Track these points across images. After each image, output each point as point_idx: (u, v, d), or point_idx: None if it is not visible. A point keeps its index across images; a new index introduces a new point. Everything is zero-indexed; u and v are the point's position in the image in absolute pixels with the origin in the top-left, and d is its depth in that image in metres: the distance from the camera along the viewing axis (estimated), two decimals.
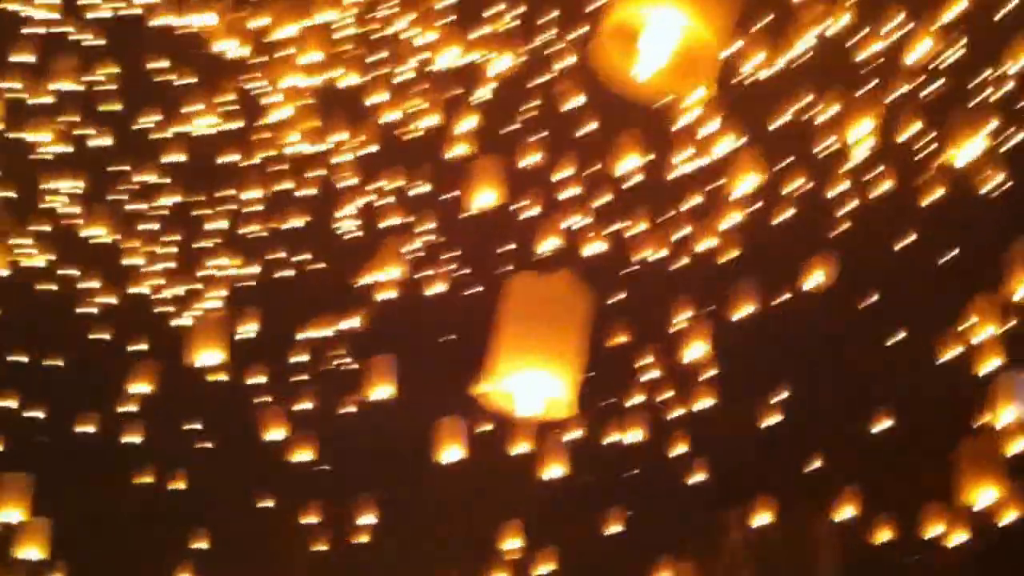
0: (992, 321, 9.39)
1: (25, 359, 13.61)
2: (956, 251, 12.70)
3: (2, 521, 9.99)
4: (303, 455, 11.67)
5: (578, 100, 11.29)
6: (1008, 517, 9.59)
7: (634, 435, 12.13)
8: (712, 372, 12.43)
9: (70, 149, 12.36)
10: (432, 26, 10.63)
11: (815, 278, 10.16)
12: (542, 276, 4.13)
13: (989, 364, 9.47)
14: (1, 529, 10.04)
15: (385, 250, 9.97)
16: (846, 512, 11.85)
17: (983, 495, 7.25)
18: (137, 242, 12.77)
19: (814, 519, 14.48)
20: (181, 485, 13.27)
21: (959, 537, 10.83)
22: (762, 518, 12.95)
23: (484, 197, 8.94)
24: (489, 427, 10.68)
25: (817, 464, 13.25)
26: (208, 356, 8.76)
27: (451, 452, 9.28)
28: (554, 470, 10.15)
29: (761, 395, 13.12)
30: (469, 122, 10.78)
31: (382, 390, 9.76)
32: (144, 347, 12.77)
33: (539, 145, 11.41)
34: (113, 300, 13.05)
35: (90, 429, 13.02)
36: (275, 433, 12.27)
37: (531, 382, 3.77)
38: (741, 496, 13.57)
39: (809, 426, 13.19)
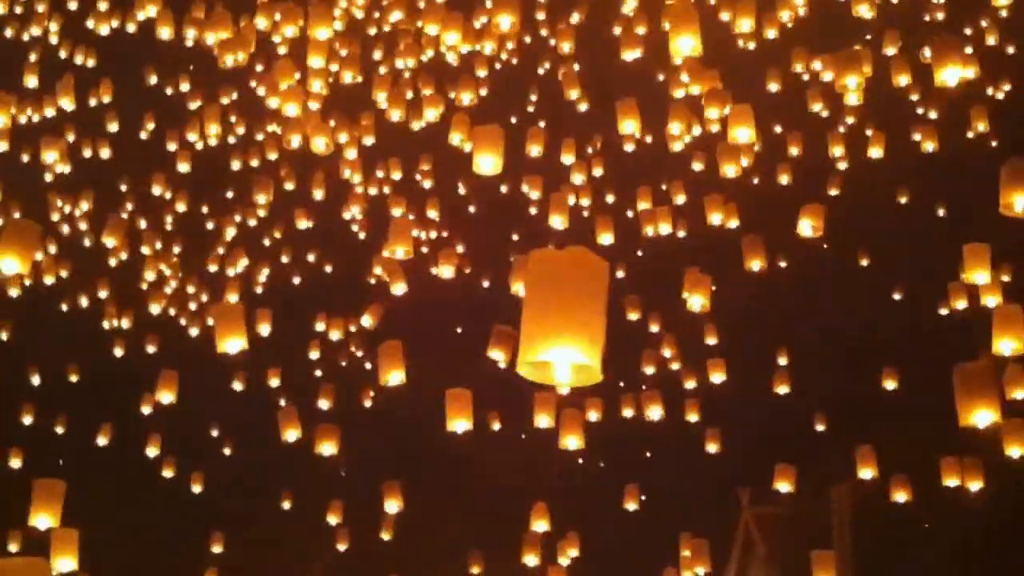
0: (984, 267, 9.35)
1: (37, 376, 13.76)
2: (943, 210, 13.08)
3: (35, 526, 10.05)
4: (325, 449, 11.71)
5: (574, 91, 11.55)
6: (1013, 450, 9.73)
7: (651, 411, 12.21)
8: (714, 341, 12.67)
9: (77, 166, 12.56)
10: (432, 18, 10.84)
11: (805, 227, 10.40)
12: (559, 250, 4.32)
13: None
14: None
15: (395, 229, 10.01)
16: (864, 473, 11.96)
17: (980, 417, 7.34)
18: (149, 251, 12.97)
19: (828, 491, 14.69)
20: (199, 488, 13.33)
21: (975, 484, 10.99)
22: (778, 488, 13.03)
23: (485, 161, 9.08)
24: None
25: (823, 427, 13.40)
26: (231, 344, 8.83)
27: (458, 423, 9.26)
28: (571, 441, 10.20)
29: (766, 363, 13.35)
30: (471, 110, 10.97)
31: (394, 376, 9.74)
32: (162, 356, 12.88)
33: (540, 133, 11.66)
34: (129, 315, 13.29)
35: (106, 440, 13.17)
36: (292, 433, 12.24)
37: (562, 352, 3.91)
38: (755, 468, 13.75)
39: (815, 391, 13.42)
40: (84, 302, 13.59)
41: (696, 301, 10.07)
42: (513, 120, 12.66)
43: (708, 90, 10.14)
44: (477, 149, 9.10)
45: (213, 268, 13.10)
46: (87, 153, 12.76)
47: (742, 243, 10.47)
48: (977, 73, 8.86)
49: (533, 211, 12.10)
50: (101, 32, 12.02)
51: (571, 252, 4.08)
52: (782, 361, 13.38)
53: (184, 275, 13.40)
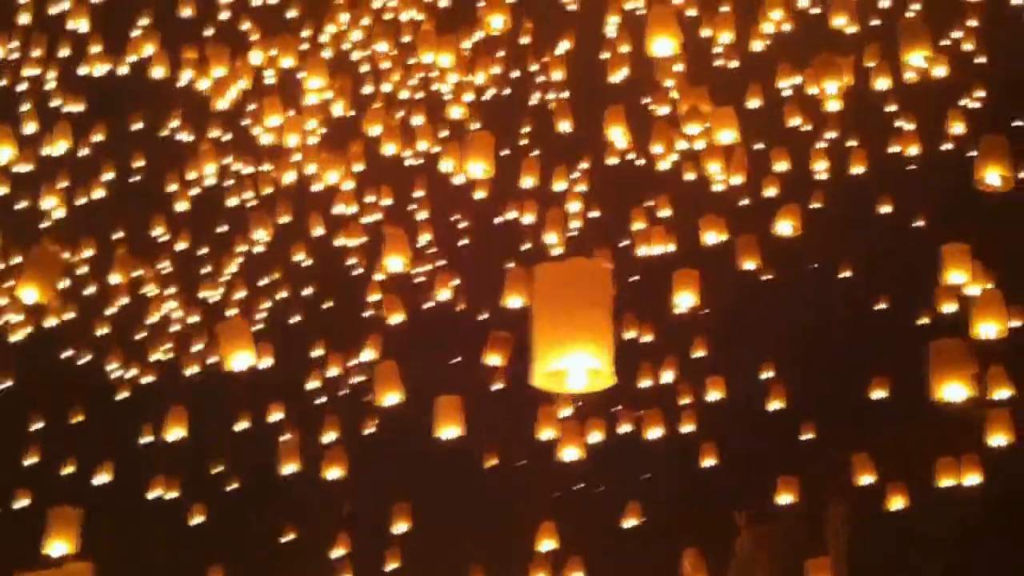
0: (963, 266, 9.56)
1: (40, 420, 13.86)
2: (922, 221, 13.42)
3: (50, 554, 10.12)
4: (333, 473, 11.82)
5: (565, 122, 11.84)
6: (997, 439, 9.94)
7: (652, 432, 12.40)
8: (702, 354, 12.95)
9: (74, 210, 12.74)
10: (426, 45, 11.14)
11: (784, 227, 10.70)
12: (563, 261, 4.55)
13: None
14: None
15: (391, 241, 10.15)
16: (861, 480, 12.18)
17: (952, 391, 7.57)
18: (151, 292, 13.15)
19: (826, 502, 14.87)
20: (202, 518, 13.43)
21: (972, 479, 11.22)
22: (777, 503, 13.18)
23: (476, 168, 9.34)
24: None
25: (814, 436, 13.62)
26: (239, 360, 8.95)
27: (449, 430, 9.37)
28: (570, 452, 10.40)
29: (757, 377, 13.60)
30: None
31: (390, 397, 9.84)
32: (165, 393, 13.02)
33: (534, 160, 11.98)
34: (132, 355, 13.46)
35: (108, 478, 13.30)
36: (292, 466, 12.28)
37: (574, 360, 4.05)
38: (751, 482, 13.96)
39: (808, 403, 13.66)
40: (86, 343, 13.78)
41: (685, 300, 10.28)
42: (505, 152, 13.00)
43: (689, 107, 10.50)
44: (469, 155, 9.35)
45: (212, 296, 13.28)
46: (86, 197, 12.94)
47: (736, 243, 10.75)
48: (944, 64, 9.10)
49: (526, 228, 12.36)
50: (96, 73, 12.22)
51: (573, 262, 4.34)
52: (769, 374, 13.72)
53: (184, 312, 13.58)
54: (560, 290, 4.20)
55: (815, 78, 9.66)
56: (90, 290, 13.31)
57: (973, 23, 11.76)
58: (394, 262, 9.94)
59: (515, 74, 12.69)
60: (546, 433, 10.90)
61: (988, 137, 8.47)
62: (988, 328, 8.44)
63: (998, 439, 9.96)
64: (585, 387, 4.17)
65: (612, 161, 11.94)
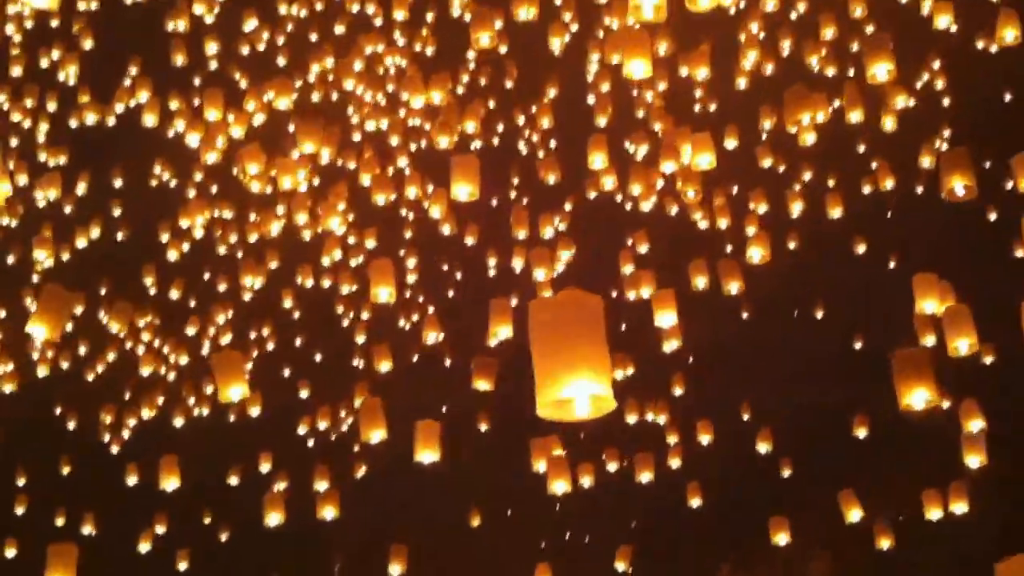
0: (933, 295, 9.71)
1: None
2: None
3: None
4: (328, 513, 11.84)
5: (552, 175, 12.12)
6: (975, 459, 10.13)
7: (644, 476, 12.54)
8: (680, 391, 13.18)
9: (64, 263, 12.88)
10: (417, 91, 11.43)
11: (755, 254, 10.98)
12: (555, 296, 4.74)
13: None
14: None
15: (376, 271, 10.27)
16: (851, 516, 12.31)
17: (916, 397, 7.77)
18: (142, 345, 13.29)
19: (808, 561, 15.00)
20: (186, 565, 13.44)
21: (960, 507, 11.41)
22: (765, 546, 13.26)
23: (462, 190, 9.56)
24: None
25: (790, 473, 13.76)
26: (233, 391, 9.06)
27: (426, 455, 9.46)
28: (558, 485, 10.47)
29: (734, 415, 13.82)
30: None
31: (375, 434, 9.86)
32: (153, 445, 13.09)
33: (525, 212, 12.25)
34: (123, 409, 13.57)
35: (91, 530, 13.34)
36: (275, 516, 12.24)
37: (578, 387, 4.17)
38: (739, 524, 14.10)
39: (792, 443, 13.85)
40: (76, 395, 13.88)
41: (665, 319, 10.48)
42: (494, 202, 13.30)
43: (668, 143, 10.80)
44: (454, 179, 9.58)
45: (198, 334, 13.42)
46: (74, 247, 13.09)
47: (717, 267, 11.03)
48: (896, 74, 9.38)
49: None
50: (87, 122, 12.43)
51: (565, 294, 4.43)
52: (745, 417, 13.94)
53: (174, 360, 13.71)
54: (556, 322, 4.34)
55: (788, 111, 9.92)
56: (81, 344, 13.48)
57: (936, 64, 12.22)
58: (382, 292, 10.04)
59: (500, 127, 13.01)
60: (539, 464, 10.97)
61: (950, 150, 8.84)
62: (961, 343, 8.66)
63: (973, 459, 10.17)
64: (590, 413, 4.29)
65: (592, 195, 12.22)
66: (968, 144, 9.34)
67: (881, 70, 8.94)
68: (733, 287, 10.96)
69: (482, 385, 10.70)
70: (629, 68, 8.21)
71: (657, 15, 7.00)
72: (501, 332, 10.09)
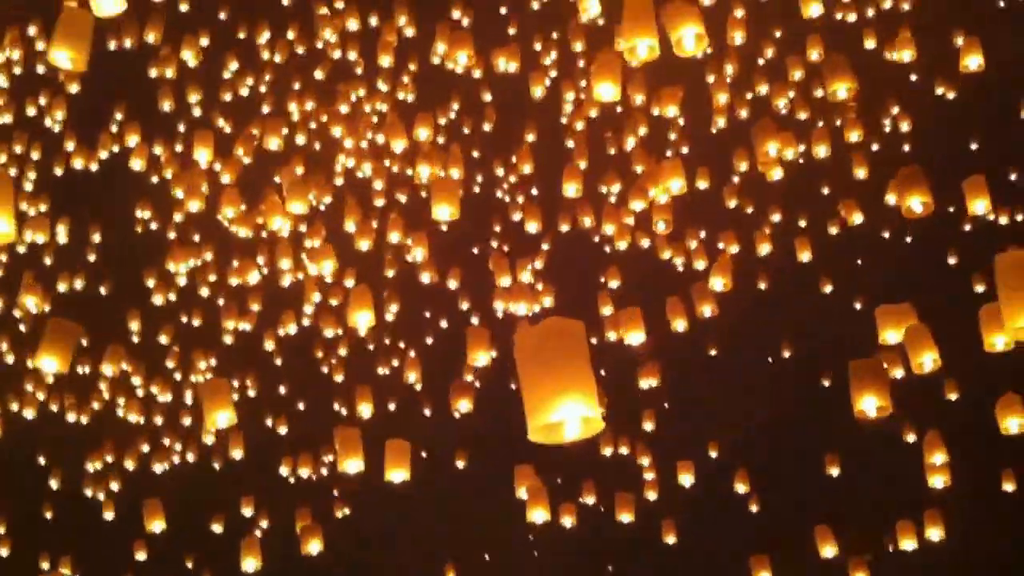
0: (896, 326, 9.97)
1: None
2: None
3: None
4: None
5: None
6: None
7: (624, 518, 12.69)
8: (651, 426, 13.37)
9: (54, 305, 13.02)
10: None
11: (717, 283, 11.23)
12: (537, 324, 4.68)
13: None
14: None
15: (355, 296, 10.40)
16: (826, 552, 12.48)
17: (867, 403, 8.00)
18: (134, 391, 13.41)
19: None
20: None
21: (935, 532, 11.65)
22: None
23: (442, 211, 9.79)
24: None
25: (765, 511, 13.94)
26: (221, 417, 9.19)
27: (397, 473, 9.53)
28: (537, 514, 10.57)
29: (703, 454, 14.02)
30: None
31: (351, 464, 9.83)
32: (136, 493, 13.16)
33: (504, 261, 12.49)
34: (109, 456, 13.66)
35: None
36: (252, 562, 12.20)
37: (567, 410, 4.32)
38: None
39: (767, 483, 14.06)
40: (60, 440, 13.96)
41: (634, 338, 10.69)
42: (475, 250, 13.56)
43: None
44: (434, 199, 9.82)
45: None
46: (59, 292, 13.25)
47: (691, 290, 11.30)
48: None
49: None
50: (75, 166, 12.64)
51: (549, 322, 4.59)
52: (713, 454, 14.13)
53: (157, 410, 13.83)
54: (541, 348, 4.49)
55: (756, 140, 10.21)
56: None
57: (896, 109, 12.66)
58: (362, 317, 10.18)
59: (479, 178, 13.32)
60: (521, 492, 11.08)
61: (905, 168, 9.22)
62: (926, 359, 8.92)
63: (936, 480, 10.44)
64: (580, 434, 4.45)
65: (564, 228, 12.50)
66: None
67: (841, 89, 9.32)
68: (706, 310, 11.21)
69: (463, 406, 10.88)
70: (598, 91, 8.39)
71: (650, 55, 7.22)
72: (480, 359, 10.32)
